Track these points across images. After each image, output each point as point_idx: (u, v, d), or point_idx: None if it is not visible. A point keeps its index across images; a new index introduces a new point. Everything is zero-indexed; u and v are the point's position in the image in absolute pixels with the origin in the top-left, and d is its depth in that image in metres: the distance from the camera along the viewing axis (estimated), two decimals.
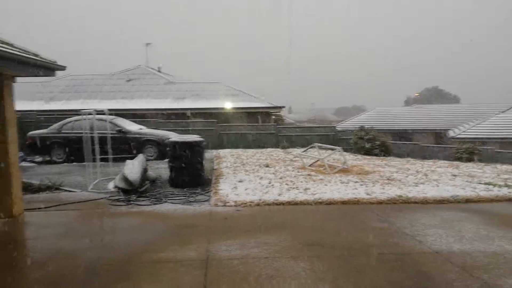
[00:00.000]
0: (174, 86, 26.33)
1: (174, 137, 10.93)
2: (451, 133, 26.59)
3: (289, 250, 5.26)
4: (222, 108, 22.62)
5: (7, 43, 6.63)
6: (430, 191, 8.54)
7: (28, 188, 8.71)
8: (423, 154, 18.28)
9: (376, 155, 17.05)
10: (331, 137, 20.60)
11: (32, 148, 14.91)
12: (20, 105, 20.93)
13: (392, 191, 8.52)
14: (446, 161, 15.00)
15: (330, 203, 7.78)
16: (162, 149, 14.21)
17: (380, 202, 7.81)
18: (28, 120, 18.81)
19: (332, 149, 12.97)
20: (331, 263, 4.80)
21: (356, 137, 18.42)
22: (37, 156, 15.33)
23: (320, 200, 7.87)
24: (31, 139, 14.89)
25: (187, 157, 9.36)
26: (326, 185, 9.28)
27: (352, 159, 14.40)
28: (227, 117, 22.50)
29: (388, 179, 9.95)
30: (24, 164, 13.79)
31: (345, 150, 15.74)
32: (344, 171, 11.32)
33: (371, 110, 41.85)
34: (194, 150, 9.46)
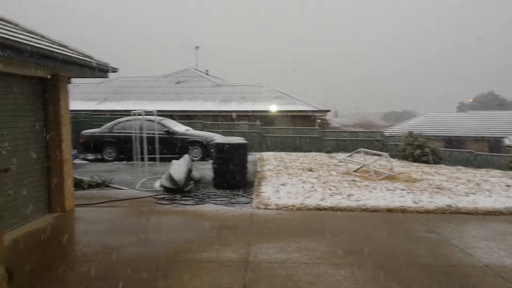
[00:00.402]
0: (221, 89, 26.73)
1: (218, 138, 11.09)
2: (506, 141, 25.14)
3: (330, 257, 5.17)
4: (267, 111, 22.67)
5: (63, 46, 7.00)
6: (482, 202, 8.10)
7: (79, 185, 9.14)
8: (475, 163, 17.40)
9: (425, 162, 16.41)
10: (378, 142, 20.09)
11: (85, 146, 15.63)
12: (76, 105, 22.11)
13: (441, 200, 8.16)
14: (500, 171, 14.17)
15: (374, 210, 7.57)
16: (207, 150, 14.46)
17: (428, 211, 7.50)
18: (82, 119, 19.75)
19: (378, 155, 12.63)
20: (374, 272, 4.67)
21: (405, 143, 17.83)
22: (89, 154, 16.06)
23: (364, 207, 7.68)
24: (84, 137, 15.62)
25: (231, 159, 9.45)
26: (371, 191, 9.05)
27: (399, 166, 13.95)
28: (272, 120, 22.52)
29: (437, 188, 9.54)
30: (76, 161, 14.48)
31: (392, 156, 15.29)
32: (391, 178, 10.99)
33: (422, 115, 40.42)
34: (237, 152, 9.54)
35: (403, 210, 7.57)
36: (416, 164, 15.72)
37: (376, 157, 13.53)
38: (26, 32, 6.40)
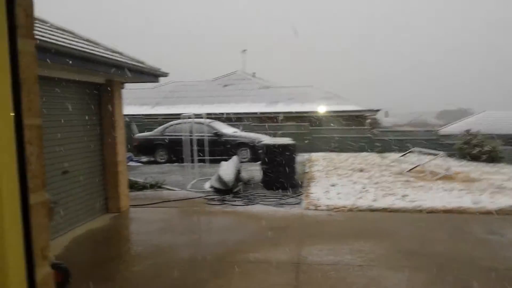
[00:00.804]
0: (268, 91, 26.78)
1: (266, 140, 11.08)
2: None
3: (385, 259, 4.98)
4: (315, 112, 22.40)
5: (117, 52, 7.28)
6: None
7: (134, 186, 9.45)
8: None
9: (484, 161, 15.50)
10: (433, 141, 19.24)
11: (139, 149, 16.20)
12: (130, 109, 22.99)
13: (503, 201, 7.65)
14: None
15: (431, 211, 7.23)
16: (255, 152, 14.50)
17: (488, 212, 7.06)
18: (136, 123, 20.51)
19: (434, 154, 12.09)
20: (432, 276, 4.43)
21: (462, 142, 16.94)
22: (143, 157, 16.63)
23: (419, 208, 7.35)
24: (138, 140, 16.20)
25: (279, 160, 9.40)
26: (426, 192, 8.66)
27: (456, 166, 13.27)
28: (320, 121, 22.23)
29: (498, 188, 8.97)
30: (131, 163, 15.02)
31: (449, 155, 14.57)
32: (447, 178, 10.46)
33: (479, 113, 38.30)
34: (286, 153, 9.47)
35: (462, 211, 7.18)
36: (474, 163, 14.89)
37: (431, 157, 12.97)
38: (82, 40, 6.71)
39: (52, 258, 4.25)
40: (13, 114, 0.86)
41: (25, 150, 0.88)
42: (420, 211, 7.26)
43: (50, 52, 4.78)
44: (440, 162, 13.15)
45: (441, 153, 11.47)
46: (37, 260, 0.86)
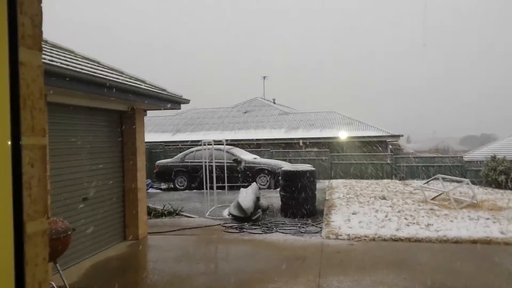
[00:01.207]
0: (288, 117, 26.82)
1: (286, 166, 10.98)
2: None
3: None
4: (335, 137, 22.23)
5: (140, 80, 7.42)
6: None
7: (152, 213, 9.46)
8: None
9: (511, 188, 14.98)
10: (457, 168, 18.76)
11: (159, 175, 16.31)
12: (151, 136, 23.33)
13: None
14: None
15: (456, 241, 6.95)
16: (275, 178, 14.40)
17: None
18: (157, 150, 20.74)
19: (458, 182, 11.75)
20: None
21: (487, 169, 16.45)
22: (162, 183, 16.72)
23: (444, 238, 7.08)
24: (159, 167, 16.32)
25: (299, 187, 9.28)
26: (452, 221, 8.36)
27: (482, 193, 12.84)
28: (341, 146, 22.01)
29: None
30: (151, 190, 15.11)
31: (474, 183, 14.15)
32: (473, 206, 10.11)
33: (504, 138, 37.32)
34: (305, 180, 9.36)
35: (489, 241, 6.88)
36: (501, 191, 14.40)
37: (455, 184, 12.61)
38: (107, 68, 6.88)
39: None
40: (11, 132, 0.79)
41: (23, 174, 0.82)
42: (445, 241, 7.00)
43: (74, 80, 4.90)
44: (465, 189, 12.76)
45: (465, 180, 11.12)
46: None
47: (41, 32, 0.88)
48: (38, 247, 0.85)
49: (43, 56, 4.46)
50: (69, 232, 4.23)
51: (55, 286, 4.08)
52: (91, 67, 5.86)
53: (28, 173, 0.83)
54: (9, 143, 0.78)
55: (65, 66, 4.67)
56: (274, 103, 31.74)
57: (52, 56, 4.82)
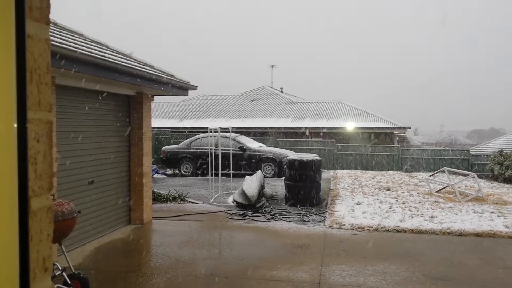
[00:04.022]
0: (295, 106, 26.73)
1: (291, 155, 10.98)
2: None
3: (410, 283, 4.78)
4: (342, 128, 22.15)
5: (148, 65, 7.41)
6: None
7: (157, 198, 9.52)
8: None
9: None
10: (463, 162, 18.66)
11: (165, 161, 16.37)
12: (158, 122, 23.36)
13: None
14: None
15: (460, 234, 6.94)
16: (280, 167, 14.41)
17: None
18: (164, 136, 20.79)
19: (464, 175, 11.69)
20: None
21: (494, 163, 16.35)
22: (168, 169, 16.79)
23: (448, 230, 7.08)
24: (165, 153, 16.38)
25: (304, 176, 9.29)
26: (456, 214, 8.35)
27: (488, 187, 12.78)
28: (347, 137, 21.94)
29: None
30: (156, 176, 15.19)
31: (480, 176, 14.08)
32: (478, 199, 10.07)
33: None
34: (310, 169, 9.35)
35: (493, 235, 6.87)
36: (507, 185, 14.32)
37: (461, 177, 12.55)
38: (116, 52, 6.87)
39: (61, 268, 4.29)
40: (17, 107, 0.77)
41: (28, 148, 0.80)
42: (449, 233, 6.99)
43: (83, 63, 4.90)
44: (471, 183, 12.70)
45: (471, 173, 11.07)
46: (37, 272, 0.81)
47: (49, 4, 0.86)
48: (43, 223, 0.85)
49: (52, 38, 4.46)
50: (75, 215, 4.28)
51: (59, 267, 4.14)
52: (100, 51, 5.85)
53: (33, 148, 0.82)
54: (15, 117, 0.77)
55: (73, 49, 4.66)
56: (282, 92, 31.62)
57: (61, 38, 4.82)
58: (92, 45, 6.12)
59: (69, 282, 4.09)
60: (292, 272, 5.08)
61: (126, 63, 6.15)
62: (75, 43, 5.10)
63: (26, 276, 0.79)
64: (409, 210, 8.68)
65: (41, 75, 0.85)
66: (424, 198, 10.24)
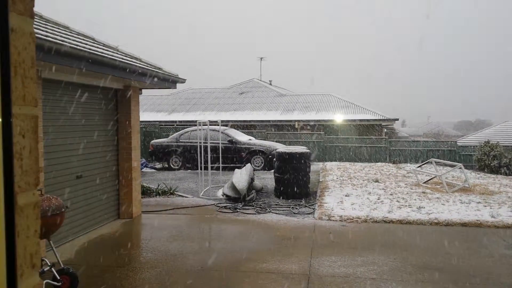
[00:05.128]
0: (284, 98, 26.74)
1: (281, 148, 10.99)
2: None
3: (399, 273, 4.85)
4: (331, 120, 22.25)
5: (136, 58, 7.33)
6: None
7: (146, 192, 9.48)
8: None
9: (503, 174, 15.14)
10: (450, 152, 18.91)
11: (153, 155, 16.28)
12: (146, 116, 23.19)
13: None
14: None
15: (447, 224, 7.05)
16: (269, 160, 14.44)
17: (507, 227, 6.86)
18: (152, 129, 20.66)
19: (451, 166, 11.85)
20: None
21: (480, 154, 16.60)
22: (157, 163, 16.71)
23: (436, 221, 7.18)
24: (153, 147, 16.29)
25: (293, 169, 9.33)
26: (443, 204, 8.47)
27: (474, 178, 12.98)
28: (336, 129, 22.06)
29: None
30: (145, 170, 15.11)
31: (466, 167, 14.29)
32: (465, 190, 10.23)
33: (498, 124, 37.49)
34: (300, 162, 9.39)
35: (479, 225, 6.99)
36: (493, 175, 14.56)
37: (448, 168, 12.72)
38: (102, 45, 6.78)
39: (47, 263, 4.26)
40: (1, 102, 0.76)
41: (13, 144, 0.79)
42: (437, 223, 7.09)
43: (69, 56, 4.82)
44: (458, 173, 12.88)
45: (458, 164, 11.23)
46: (24, 268, 0.80)
47: None
48: (30, 219, 0.84)
49: (37, 31, 4.38)
50: (63, 210, 4.24)
51: (48, 263, 4.11)
52: (86, 43, 5.77)
53: (19, 143, 0.80)
54: None
55: (59, 42, 4.59)
56: (271, 84, 31.59)
57: (46, 31, 4.74)
58: (78, 37, 6.03)
59: (58, 278, 4.07)
60: (282, 264, 5.11)
61: (113, 56, 6.07)
62: (61, 36, 5.02)
63: (13, 272, 0.78)
64: (397, 201, 8.78)
65: (25, 69, 0.83)
66: (411, 189, 10.36)
